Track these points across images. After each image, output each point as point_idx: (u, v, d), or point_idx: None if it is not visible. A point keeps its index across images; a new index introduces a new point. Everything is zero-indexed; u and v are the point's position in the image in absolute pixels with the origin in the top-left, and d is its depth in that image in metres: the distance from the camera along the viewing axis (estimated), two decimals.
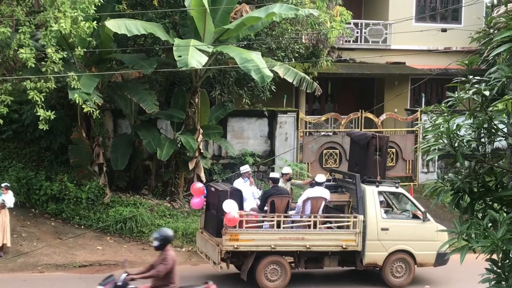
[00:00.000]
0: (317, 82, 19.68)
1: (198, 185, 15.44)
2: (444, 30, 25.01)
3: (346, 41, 25.22)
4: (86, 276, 15.31)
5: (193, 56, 15.56)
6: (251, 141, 21.81)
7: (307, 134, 22.99)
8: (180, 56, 15.58)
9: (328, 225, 14.56)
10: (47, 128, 15.89)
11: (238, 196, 14.28)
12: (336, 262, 14.82)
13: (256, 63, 16.14)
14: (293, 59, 20.85)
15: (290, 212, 14.74)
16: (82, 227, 18.01)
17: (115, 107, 20.11)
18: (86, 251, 16.80)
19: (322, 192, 14.63)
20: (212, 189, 14.85)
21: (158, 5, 19.07)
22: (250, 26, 17.93)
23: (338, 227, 14.56)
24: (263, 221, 14.28)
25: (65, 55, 15.82)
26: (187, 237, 17.72)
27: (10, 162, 19.19)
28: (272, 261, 14.26)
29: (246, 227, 13.99)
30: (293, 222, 14.46)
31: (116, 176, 19.53)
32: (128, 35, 16.79)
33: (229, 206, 13.72)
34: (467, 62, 5.86)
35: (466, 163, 5.83)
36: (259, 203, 15.08)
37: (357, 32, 26.63)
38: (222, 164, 21.31)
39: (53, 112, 15.74)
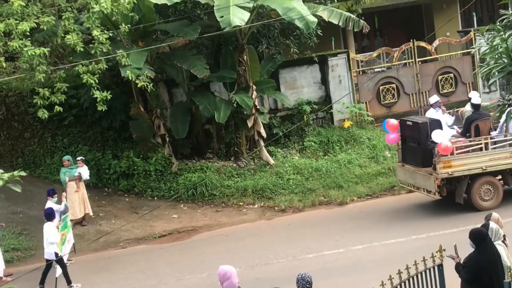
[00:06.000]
0: (363, 18, 19.32)
1: (392, 121, 16.03)
2: None
3: None
4: (167, 246, 15.75)
5: (235, 14, 15.52)
6: (305, 89, 21.62)
7: (361, 73, 22.65)
8: (222, 17, 15.56)
9: None
10: (106, 108, 16.25)
11: (438, 126, 14.88)
12: None
13: (298, 11, 15.96)
14: (335, 0, 20.47)
15: (493, 133, 15.17)
16: (155, 198, 18.41)
17: (168, 77, 20.26)
18: (163, 221, 17.21)
19: None
20: (409, 123, 15.48)
21: None
22: None
23: None
24: (470, 146, 14.80)
25: (111, 34, 15.99)
26: (258, 193, 17.92)
27: (76, 146, 19.66)
28: (485, 182, 14.95)
29: (456, 154, 14.57)
30: (495, 143, 14.88)
31: (179, 145, 19.80)
32: (168, 4, 16.87)
33: (439, 136, 14.37)
34: None
35: None
36: (458, 129, 15.63)
37: None
38: (280, 116, 21.25)
39: (109, 92, 16.02)
